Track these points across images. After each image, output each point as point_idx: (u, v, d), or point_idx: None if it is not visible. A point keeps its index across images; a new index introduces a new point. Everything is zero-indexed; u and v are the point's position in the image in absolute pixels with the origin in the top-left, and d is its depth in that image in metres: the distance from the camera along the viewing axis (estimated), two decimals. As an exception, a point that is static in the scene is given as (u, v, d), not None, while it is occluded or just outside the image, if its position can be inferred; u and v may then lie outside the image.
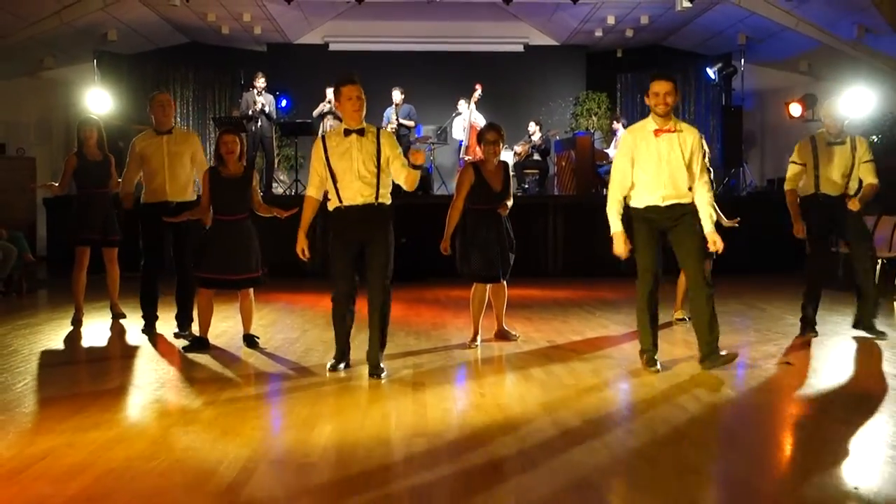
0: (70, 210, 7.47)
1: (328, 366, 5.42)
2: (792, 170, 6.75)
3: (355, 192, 5.16)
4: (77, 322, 7.24)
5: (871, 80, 12.44)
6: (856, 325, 6.72)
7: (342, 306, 5.34)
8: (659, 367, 5.34)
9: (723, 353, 5.33)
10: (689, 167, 5.25)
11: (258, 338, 6.34)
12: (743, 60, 14.29)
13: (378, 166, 5.15)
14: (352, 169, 5.14)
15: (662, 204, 5.27)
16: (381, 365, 5.27)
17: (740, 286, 7.50)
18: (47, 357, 5.98)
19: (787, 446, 3.70)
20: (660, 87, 5.20)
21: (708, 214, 5.25)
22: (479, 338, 6.32)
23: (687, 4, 12.35)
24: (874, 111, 12.24)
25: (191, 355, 5.88)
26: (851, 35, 12.35)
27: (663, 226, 5.33)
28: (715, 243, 5.20)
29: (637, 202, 5.35)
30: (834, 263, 6.88)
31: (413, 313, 8.03)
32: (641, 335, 5.48)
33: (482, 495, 3.17)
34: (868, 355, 6.21)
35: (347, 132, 5.17)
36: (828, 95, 12.92)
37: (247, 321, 6.31)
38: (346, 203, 5.20)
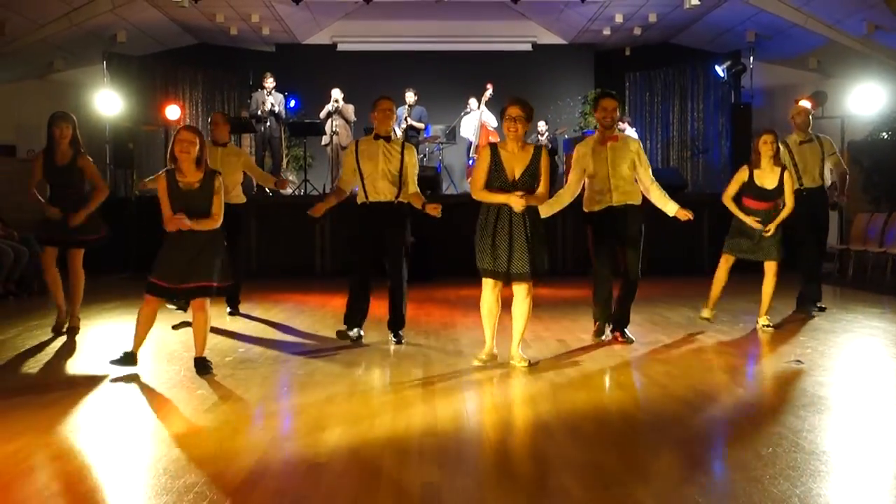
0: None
1: (336, 332, 6.25)
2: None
3: (380, 190, 6.06)
4: (57, 329, 6.78)
5: (881, 76, 12.40)
6: (803, 305, 7.83)
7: (357, 287, 6.18)
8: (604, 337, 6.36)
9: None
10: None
11: (211, 363, 5.37)
12: (752, 58, 14.24)
13: (401, 170, 6.07)
14: (377, 169, 6.03)
15: (616, 204, 6.15)
16: (401, 333, 6.27)
17: (749, 284, 7.45)
18: (59, 358, 6.01)
19: (796, 444, 3.69)
20: (608, 104, 6.13)
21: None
22: (491, 353, 5.56)
23: (695, 2, 12.32)
24: (884, 107, 12.20)
25: (195, 351, 5.82)
26: (861, 32, 12.30)
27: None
28: None
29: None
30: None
31: (423, 313, 8.04)
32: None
33: (494, 494, 3.18)
34: (879, 353, 6.19)
35: (377, 137, 6.11)
36: (837, 92, 12.93)
37: (199, 342, 5.35)
38: (371, 199, 6.09)
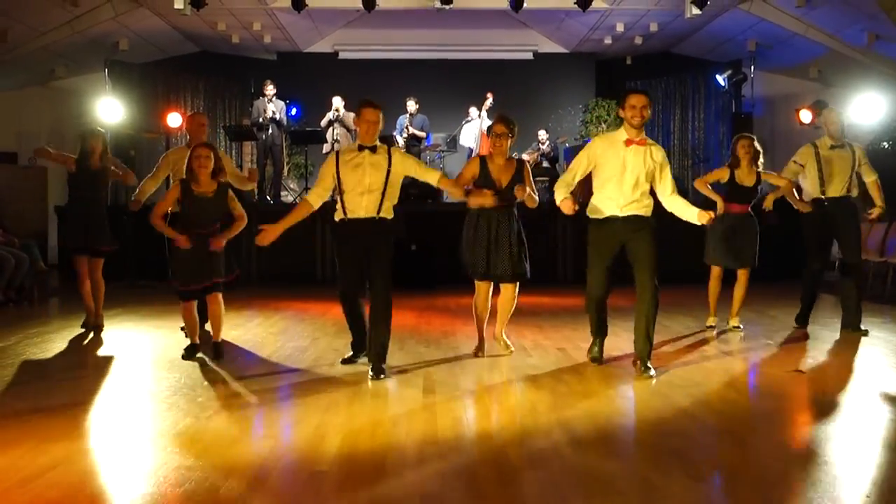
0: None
1: (341, 360, 5.90)
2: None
3: (360, 205, 5.49)
4: (87, 325, 7.37)
5: (881, 86, 12.42)
6: (844, 327, 7.28)
7: (348, 304, 5.78)
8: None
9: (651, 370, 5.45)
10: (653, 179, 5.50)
11: (223, 348, 6.15)
12: (753, 67, 14.27)
13: (386, 181, 5.48)
14: (361, 182, 5.46)
15: (622, 214, 5.46)
16: (383, 366, 5.48)
17: (750, 294, 7.48)
18: (59, 365, 6.01)
19: (797, 454, 3.68)
20: (636, 101, 5.38)
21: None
22: (484, 347, 6.19)
23: (696, 11, 12.35)
24: (884, 117, 12.22)
25: (198, 363, 5.87)
26: (861, 41, 12.33)
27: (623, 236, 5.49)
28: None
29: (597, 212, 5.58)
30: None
31: (423, 321, 8.04)
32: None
33: (494, 503, 3.18)
34: (880, 363, 6.18)
35: (361, 148, 5.51)
36: (838, 102, 12.94)
37: (216, 328, 6.11)
38: (350, 216, 5.52)
